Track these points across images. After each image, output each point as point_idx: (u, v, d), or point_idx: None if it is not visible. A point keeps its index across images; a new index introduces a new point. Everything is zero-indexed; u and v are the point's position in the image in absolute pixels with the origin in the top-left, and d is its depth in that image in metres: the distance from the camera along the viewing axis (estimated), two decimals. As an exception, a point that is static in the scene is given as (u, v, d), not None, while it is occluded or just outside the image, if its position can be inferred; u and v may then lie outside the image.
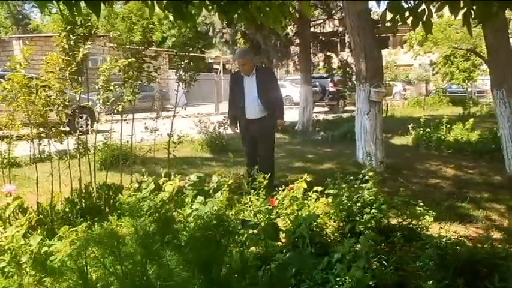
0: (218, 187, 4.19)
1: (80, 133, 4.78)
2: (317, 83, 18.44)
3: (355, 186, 3.95)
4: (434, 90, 24.15)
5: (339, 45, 13.22)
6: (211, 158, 7.91)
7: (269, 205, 3.83)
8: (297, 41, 12.45)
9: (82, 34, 4.23)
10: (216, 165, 7.15)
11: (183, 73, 4.96)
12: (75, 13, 2.07)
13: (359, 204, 3.78)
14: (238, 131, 5.73)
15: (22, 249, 3.03)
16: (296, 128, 12.26)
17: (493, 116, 16.01)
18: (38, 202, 4.02)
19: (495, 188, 5.93)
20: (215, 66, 31.88)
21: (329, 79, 19.14)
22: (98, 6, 2.13)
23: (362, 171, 4.19)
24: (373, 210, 3.68)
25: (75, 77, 4.19)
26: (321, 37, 12.55)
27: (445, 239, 3.26)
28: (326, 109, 20.07)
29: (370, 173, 3.92)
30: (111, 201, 4.36)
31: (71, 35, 4.28)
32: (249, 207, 4.24)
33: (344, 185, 3.99)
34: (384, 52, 18.03)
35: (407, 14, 2.33)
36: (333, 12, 12.10)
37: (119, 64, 4.19)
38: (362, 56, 6.76)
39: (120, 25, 4.75)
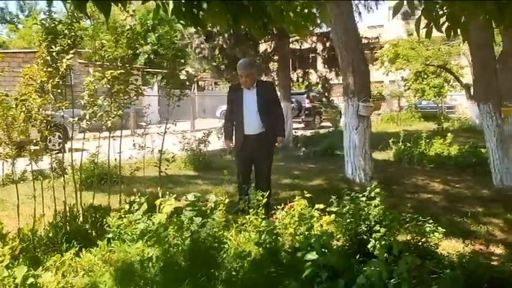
0: (215, 207, 3.93)
1: (56, 151, 4.45)
2: (293, 99, 18.43)
3: (361, 203, 3.77)
4: (406, 106, 24.61)
5: (318, 61, 13.22)
6: (196, 175, 7.62)
7: (271, 223, 3.58)
8: (276, 57, 12.39)
9: (65, 45, 3.94)
10: (203, 183, 6.87)
11: (172, 90, 4.69)
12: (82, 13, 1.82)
13: (367, 222, 3.61)
14: (232, 146, 5.38)
15: (5, 281, 2.70)
16: (276, 144, 12.07)
17: (466, 131, 16.56)
18: (19, 228, 3.65)
19: (486, 202, 5.90)
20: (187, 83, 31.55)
21: (305, 95, 19.21)
22: (108, 7, 1.90)
23: (356, 187, 4.05)
24: (382, 229, 3.51)
25: (58, 91, 3.88)
26: (299, 53, 12.53)
27: (456, 256, 3.13)
28: (302, 125, 20.05)
29: (377, 189, 3.75)
30: (99, 224, 4.02)
31: (53, 46, 3.98)
32: (248, 226, 4.01)
33: (348, 202, 3.80)
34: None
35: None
36: (312, 28, 12.11)
37: (107, 76, 3.90)
38: (350, 70, 6.70)
39: (106, 36, 4.48)
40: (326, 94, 13.73)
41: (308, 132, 15.00)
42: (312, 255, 2.83)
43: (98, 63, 4.43)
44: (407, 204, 5.56)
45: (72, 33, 4.11)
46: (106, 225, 3.96)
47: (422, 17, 2.23)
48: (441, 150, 9.74)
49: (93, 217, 3.99)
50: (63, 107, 3.89)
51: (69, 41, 4.00)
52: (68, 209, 3.98)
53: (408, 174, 8.19)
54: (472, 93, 18.03)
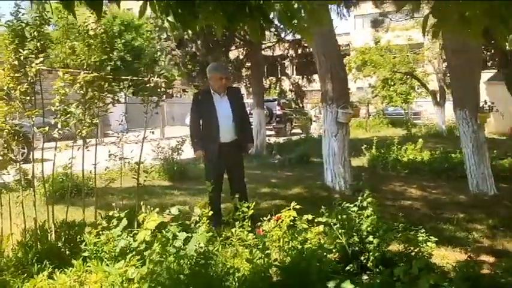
0: (199, 220, 3.70)
1: (20, 162, 4.12)
2: (264, 106, 18.35)
3: (353, 213, 3.64)
4: (374, 112, 25.01)
5: (290, 68, 13.18)
6: (171, 186, 7.34)
7: (262, 238, 3.39)
8: (248, 64, 12.27)
9: (34, 48, 3.64)
10: (179, 194, 6.62)
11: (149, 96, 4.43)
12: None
13: (359, 233, 3.48)
14: (203, 155, 5.07)
15: (-29, 312, 2.39)
16: (250, 151, 11.93)
17: (434, 136, 16.89)
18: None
19: (466, 208, 5.92)
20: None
21: (276, 102, 19.15)
22: (100, 6, 1.68)
23: (336, 195, 3.92)
24: (375, 240, 3.39)
25: (28, 98, 3.58)
26: (271, 60, 12.46)
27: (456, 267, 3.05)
28: (273, 132, 19.97)
29: (369, 199, 3.63)
30: (73, 242, 3.72)
31: (20, 50, 3.68)
32: (235, 240, 3.81)
33: (338, 212, 3.67)
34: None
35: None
36: (284, 35, 12.09)
37: (79, 80, 3.61)
38: (328, 76, 6.63)
39: (77, 40, 4.20)
40: (299, 101, 13.69)
41: (281, 140, 14.92)
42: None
43: (60, 69, 4.14)
44: (399, 214, 5.45)
45: (41, 36, 3.83)
46: (81, 243, 3.68)
47: (430, 16, 2.13)
48: (414, 156, 9.83)
49: (67, 234, 3.68)
50: (33, 116, 3.58)
51: (38, 44, 3.71)
52: (38, 225, 3.66)
53: (384, 180, 8.18)
54: (438, 100, 18.51)
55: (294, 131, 20.56)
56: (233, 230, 3.85)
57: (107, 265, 3.33)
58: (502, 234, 4.69)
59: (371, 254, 3.38)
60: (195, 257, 3.23)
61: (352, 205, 3.74)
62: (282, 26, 11.85)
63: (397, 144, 10.16)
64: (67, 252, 3.67)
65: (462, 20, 1.95)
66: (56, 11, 3.59)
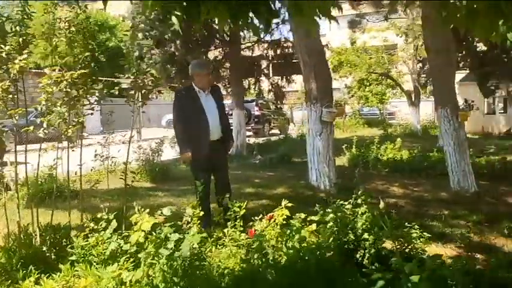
0: (191, 221, 3.61)
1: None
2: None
3: (347, 211, 3.62)
4: (351, 112, 25.29)
5: (270, 69, 13.17)
6: (154, 187, 7.19)
7: (260, 237, 3.34)
8: (227, 64, 12.19)
9: (16, 44, 3.49)
10: (163, 195, 6.47)
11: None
12: None
13: (354, 231, 3.46)
14: (190, 155, 4.87)
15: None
16: (230, 152, 11.87)
17: (409, 136, 17.19)
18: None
19: (450, 204, 6.00)
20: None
21: (254, 103, 19.11)
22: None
23: (321, 194, 3.91)
24: (371, 237, 3.38)
25: (9, 96, 3.41)
26: (250, 60, 12.41)
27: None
28: (251, 133, 19.93)
29: (363, 196, 3.62)
30: (58, 246, 3.57)
31: (2, 45, 3.52)
32: (228, 241, 3.74)
33: (333, 210, 3.64)
34: (299, 78, 18.61)
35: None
36: (263, 36, 12.04)
37: (66, 77, 3.47)
38: (312, 76, 6.63)
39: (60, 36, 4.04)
40: (279, 102, 13.69)
41: (260, 140, 14.90)
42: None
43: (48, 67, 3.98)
44: (392, 211, 5.48)
45: (23, 32, 3.67)
46: (67, 246, 3.54)
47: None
48: (393, 155, 9.97)
49: (52, 238, 3.53)
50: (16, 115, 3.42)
51: (20, 40, 3.55)
52: (21, 229, 3.49)
53: (366, 179, 8.21)
54: (413, 100, 18.86)
55: (272, 131, 20.58)
56: (225, 230, 3.78)
57: (96, 269, 3.21)
58: (487, 230, 4.77)
59: (367, 251, 3.36)
60: (188, 259, 3.15)
61: (346, 203, 3.72)
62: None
63: (377, 143, 10.29)
64: (52, 256, 3.52)
65: (469, 15, 1.95)
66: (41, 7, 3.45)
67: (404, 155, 9.94)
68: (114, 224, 3.33)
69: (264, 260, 3.10)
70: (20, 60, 3.41)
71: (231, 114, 13.61)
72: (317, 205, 3.81)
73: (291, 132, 19.28)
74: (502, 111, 21.40)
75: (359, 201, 3.66)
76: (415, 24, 16.34)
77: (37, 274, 3.19)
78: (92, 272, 3.14)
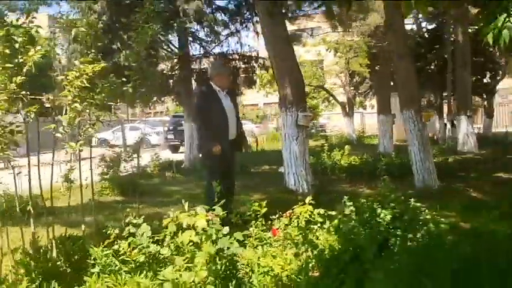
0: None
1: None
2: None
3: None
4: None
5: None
6: (126, 200, 6.75)
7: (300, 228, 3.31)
8: (176, 76, 11.97)
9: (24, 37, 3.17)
10: (142, 207, 5.96)
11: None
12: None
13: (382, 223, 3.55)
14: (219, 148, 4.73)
15: None
16: (183, 166, 11.65)
17: (346, 144, 17.97)
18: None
19: (422, 200, 6.30)
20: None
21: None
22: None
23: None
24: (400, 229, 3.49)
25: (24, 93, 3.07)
26: (200, 72, 12.30)
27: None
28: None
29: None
30: (73, 259, 3.24)
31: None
32: (254, 240, 3.65)
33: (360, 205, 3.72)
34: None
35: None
36: (212, 48, 12.03)
37: (91, 69, 3.16)
38: (286, 81, 6.73)
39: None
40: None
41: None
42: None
43: None
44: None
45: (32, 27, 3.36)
46: (82, 258, 3.22)
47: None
48: (346, 161, 10.37)
49: (69, 250, 3.20)
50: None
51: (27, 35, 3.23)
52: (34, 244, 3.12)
53: (331, 183, 8.47)
54: (347, 111, 19.81)
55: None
56: (251, 229, 3.71)
57: (130, 277, 2.96)
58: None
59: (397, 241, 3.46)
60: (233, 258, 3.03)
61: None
62: (210, 39, 11.83)
63: (327, 151, 10.70)
64: (68, 270, 3.19)
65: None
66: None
67: (356, 161, 10.39)
68: (146, 228, 3.09)
69: (314, 254, 3.05)
70: (36, 51, 3.08)
71: (182, 128, 13.40)
72: (345, 197, 3.87)
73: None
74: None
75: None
76: (345, 39, 17.37)
77: (62, 289, 2.87)
78: (127, 280, 2.88)
